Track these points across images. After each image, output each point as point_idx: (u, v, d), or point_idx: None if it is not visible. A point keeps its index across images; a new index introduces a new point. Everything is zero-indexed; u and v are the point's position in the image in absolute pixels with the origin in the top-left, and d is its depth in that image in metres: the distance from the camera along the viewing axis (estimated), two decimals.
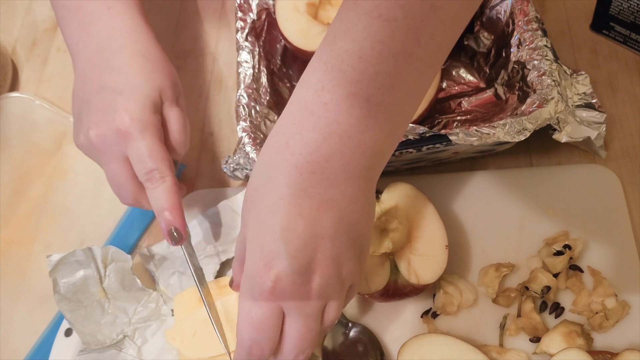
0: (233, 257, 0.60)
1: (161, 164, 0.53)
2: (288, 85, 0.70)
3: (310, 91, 0.41)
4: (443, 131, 0.54)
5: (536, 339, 0.54)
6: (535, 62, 0.59)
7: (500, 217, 0.60)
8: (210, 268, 0.61)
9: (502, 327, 0.56)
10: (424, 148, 0.55)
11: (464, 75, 0.68)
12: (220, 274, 0.61)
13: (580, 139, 0.58)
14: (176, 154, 0.56)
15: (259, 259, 0.43)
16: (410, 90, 0.42)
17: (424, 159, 0.60)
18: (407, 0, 0.38)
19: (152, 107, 0.54)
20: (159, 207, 0.53)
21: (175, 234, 0.53)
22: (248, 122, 0.61)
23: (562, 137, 0.56)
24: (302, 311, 0.44)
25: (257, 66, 0.66)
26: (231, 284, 0.52)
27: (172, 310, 0.59)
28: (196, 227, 0.62)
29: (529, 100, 0.57)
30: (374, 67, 0.39)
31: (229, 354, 0.54)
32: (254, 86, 0.64)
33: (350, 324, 0.57)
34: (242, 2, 0.69)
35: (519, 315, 0.56)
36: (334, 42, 0.40)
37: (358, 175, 0.42)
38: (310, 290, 0.44)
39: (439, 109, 0.66)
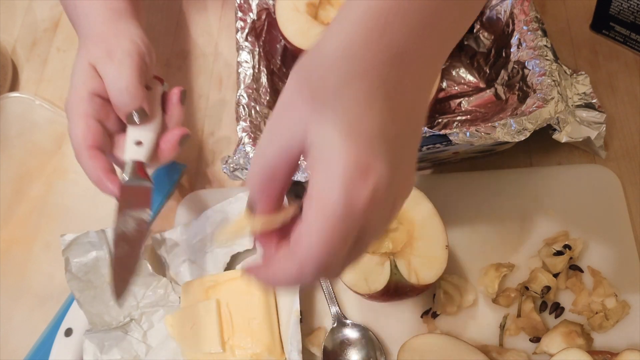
0: (244, 251, 0.62)
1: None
2: None
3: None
4: (443, 131, 0.54)
5: (536, 339, 0.54)
6: (535, 62, 0.59)
7: (500, 217, 0.60)
8: (220, 259, 0.61)
9: (502, 327, 0.56)
10: (424, 148, 0.55)
11: (464, 75, 0.68)
12: (229, 266, 0.62)
13: (580, 139, 0.58)
14: (127, 106, 0.53)
15: (353, 166, 0.34)
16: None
17: (424, 159, 0.60)
18: None
19: (83, 82, 0.54)
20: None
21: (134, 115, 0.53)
22: (248, 122, 0.61)
23: (562, 137, 0.56)
24: (380, 226, 0.37)
25: (257, 66, 0.66)
26: (245, 271, 0.40)
27: (180, 298, 0.60)
28: (209, 218, 0.63)
29: (529, 100, 0.57)
30: None
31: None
32: (254, 86, 0.64)
33: (350, 324, 0.57)
34: (242, 2, 0.69)
35: (519, 315, 0.56)
36: None
37: (427, 87, 0.38)
38: (396, 205, 0.38)
39: (439, 109, 0.66)
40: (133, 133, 0.54)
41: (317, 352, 0.57)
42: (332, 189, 0.34)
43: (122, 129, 0.55)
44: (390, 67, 0.35)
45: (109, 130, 0.55)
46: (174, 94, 0.57)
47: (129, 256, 0.51)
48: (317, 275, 0.36)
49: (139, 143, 0.53)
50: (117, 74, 0.53)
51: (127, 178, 0.52)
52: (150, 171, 0.55)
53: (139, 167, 0.53)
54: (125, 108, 0.53)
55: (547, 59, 0.58)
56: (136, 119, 0.53)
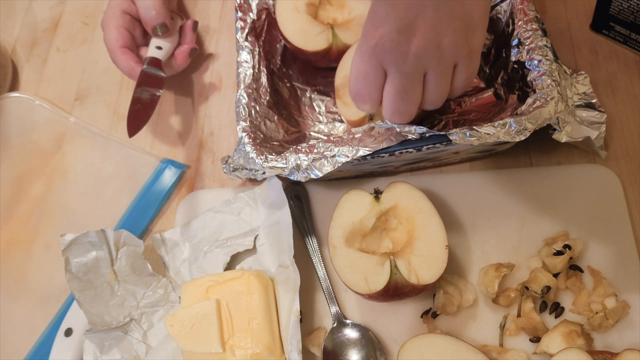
0: (244, 251, 0.62)
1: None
2: (288, 85, 0.70)
3: None
4: (443, 131, 0.54)
5: (536, 339, 0.54)
6: (535, 62, 0.59)
7: (500, 217, 0.60)
8: (220, 259, 0.61)
9: (502, 327, 0.56)
10: (424, 148, 0.55)
11: None
12: (229, 266, 0.62)
13: (580, 139, 0.58)
14: (152, 20, 0.68)
15: (370, 21, 0.50)
16: None
17: (424, 159, 0.60)
18: None
19: (117, 4, 0.69)
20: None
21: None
22: (248, 122, 0.61)
23: (562, 137, 0.56)
24: (399, 69, 0.50)
25: (257, 66, 0.66)
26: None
27: (180, 298, 0.60)
28: (209, 218, 0.63)
29: (529, 100, 0.57)
30: None
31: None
32: (254, 86, 0.64)
33: (350, 324, 0.57)
34: (242, 2, 0.69)
35: (519, 315, 0.56)
36: None
37: None
38: (408, 51, 0.49)
39: (439, 109, 0.66)
40: (155, 41, 0.69)
41: (317, 352, 0.57)
42: (359, 40, 0.52)
43: (145, 43, 0.70)
44: None
45: (135, 40, 0.70)
46: (189, 23, 0.73)
47: (141, 111, 0.66)
48: (358, 97, 0.54)
49: (159, 47, 0.69)
50: None
51: (146, 67, 0.67)
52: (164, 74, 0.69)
53: (156, 62, 0.68)
54: (151, 22, 0.68)
55: (547, 59, 0.58)
56: (159, 31, 0.68)
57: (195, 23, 0.73)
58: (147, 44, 0.70)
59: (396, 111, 0.53)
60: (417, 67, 0.50)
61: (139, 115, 0.65)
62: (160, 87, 0.67)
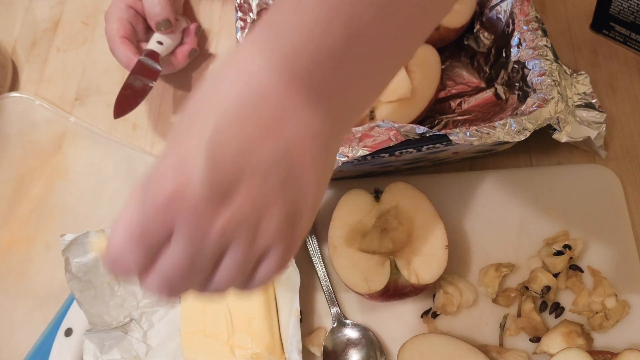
0: None
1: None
2: None
3: None
4: (443, 131, 0.54)
5: (536, 339, 0.54)
6: (535, 62, 0.59)
7: (500, 217, 0.60)
8: None
9: (502, 327, 0.56)
10: (424, 148, 0.55)
11: (464, 75, 0.68)
12: None
13: (580, 139, 0.58)
14: (157, 15, 0.69)
15: (170, 158, 0.34)
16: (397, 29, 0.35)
17: (424, 159, 0.60)
18: None
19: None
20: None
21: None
22: None
23: (562, 137, 0.56)
24: (193, 240, 0.34)
25: None
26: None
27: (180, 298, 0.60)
28: None
29: (529, 100, 0.57)
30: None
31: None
32: None
33: (350, 324, 0.57)
34: (242, 2, 0.69)
35: (519, 315, 0.56)
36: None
37: (326, 108, 0.35)
38: (211, 222, 0.33)
39: (439, 109, 0.66)
40: (157, 36, 0.70)
41: (317, 352, 0.57)
42: (144, 179, 0.35)
43: (146, 40, 0.70)
44: (271, 75, 0.35)
45: (137, 35, 0.70)
46: (192, 27, 0.73)
47: (131, 97, 0.66)
48: (117, 263, 0.35)
49: (159, 42, 0.69)
50: None
51: (143, 57, 0.67)
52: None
53: (154, 55, 0.68)
54: (156, 17, 0.68)
55: (547, 59, 0.58)
56: (162, 27, 0.69)
57: (199, 27, 0.73)
58: (147, 40, 0.70)
59: (165, 287, 0.35)
60: (217, 245, 0.34)
61: (127, 101, 0.66)
62: (154, 79, 0.67)
